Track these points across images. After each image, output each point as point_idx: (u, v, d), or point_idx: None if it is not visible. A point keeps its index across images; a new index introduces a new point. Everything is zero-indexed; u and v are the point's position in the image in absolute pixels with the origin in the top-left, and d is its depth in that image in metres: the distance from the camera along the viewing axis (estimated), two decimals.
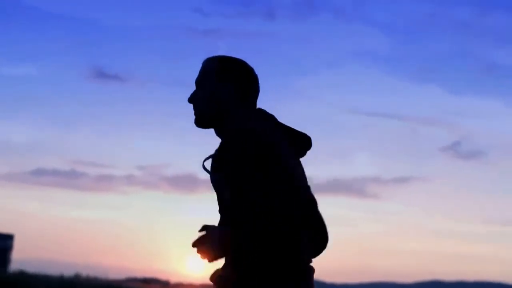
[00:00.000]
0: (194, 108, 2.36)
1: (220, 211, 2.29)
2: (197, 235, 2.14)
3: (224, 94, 2.30)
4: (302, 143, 2.32)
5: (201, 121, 2.35)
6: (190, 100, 2.36)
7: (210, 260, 2.15)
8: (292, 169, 2.18)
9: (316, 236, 2.20)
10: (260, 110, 2.33)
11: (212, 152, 2.27)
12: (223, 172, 2.15)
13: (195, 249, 2.14)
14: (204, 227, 2.15)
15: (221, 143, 2.26)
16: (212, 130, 2.37)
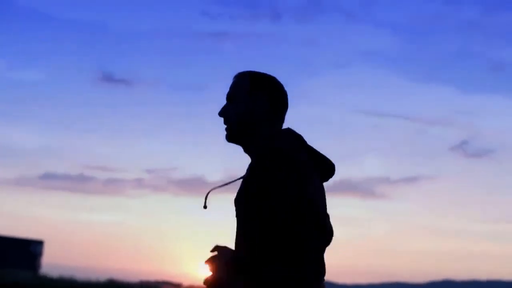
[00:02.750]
0: (226, 122, 2.35)
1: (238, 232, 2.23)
2: (208, 254, 2.12)
3: (257, 109, 2.30)
4: (327, 168, 2.31)
5: (233, 136, 2.33)
6: (221, 114, 2.36)
7: (213, 281, 2.12)
8: (313, 194, 2.15)
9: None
10: (289, 129, 2.32)
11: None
12: (248, 195, 2.14)
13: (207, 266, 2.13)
14: (216, 248, 2.13)
15: (250, 165, 2.26)
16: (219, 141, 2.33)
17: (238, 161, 2.40)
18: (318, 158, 2.30)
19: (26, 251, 35.18)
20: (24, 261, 34.14)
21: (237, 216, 2.23)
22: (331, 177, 2.34)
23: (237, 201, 2.21)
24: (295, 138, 2.30)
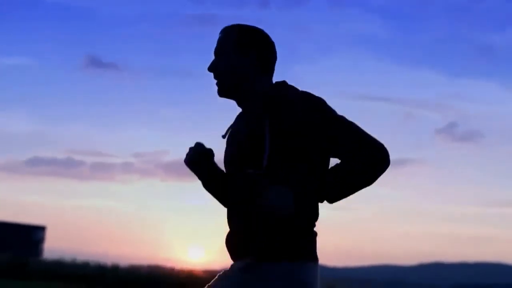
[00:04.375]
0: (216, 77, 2.32)
1: (233, 163, 2.30)
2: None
3: (246, 62, 2.28)
4: None
5: (225, 90, 2.31)
6: (211, 69, 2.32)
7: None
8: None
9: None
10: (286, 82, 2.32)
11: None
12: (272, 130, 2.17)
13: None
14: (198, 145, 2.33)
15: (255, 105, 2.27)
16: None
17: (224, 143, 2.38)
18: None
19: (28, 237, 35.39)
20: (26, 246, 33.99)
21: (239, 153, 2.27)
22: None
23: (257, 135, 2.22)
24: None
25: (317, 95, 2.23)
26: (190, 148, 2.33)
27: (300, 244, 2.16)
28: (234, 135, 2.34)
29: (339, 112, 2.22)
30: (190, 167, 2.35)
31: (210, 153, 2.34)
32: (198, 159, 2.33)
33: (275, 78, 2.35)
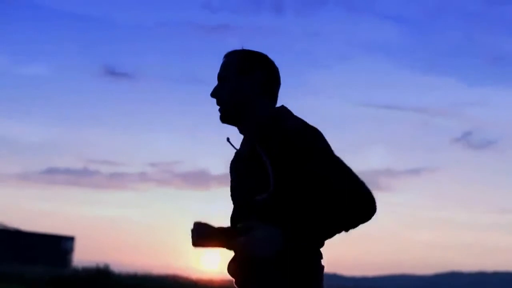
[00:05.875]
0: (218, 103, 2.26)
1: (237, 199, 2.26)
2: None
3: (249, 88, 2.23)
4: None
5: (227, 116, 2.25)
6: (213, 94, 2.27)
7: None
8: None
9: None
10: (285, 107, 2.26)
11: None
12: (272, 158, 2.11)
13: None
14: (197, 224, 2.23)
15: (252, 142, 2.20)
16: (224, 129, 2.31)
17: None
18: None
19: (57, 247, 35.71)
20: (55, 257, 34.27)
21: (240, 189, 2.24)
22: None
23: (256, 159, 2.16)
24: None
25: (313, 125, 2.16)
26: (192, 230, 2.24)
27: (295, 283, 2.09)
28: (235, 162, 2.32)
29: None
30: (201, 247, 2.25)
31: (209, 229, 2.23)
32: (203, 238, 2.23)
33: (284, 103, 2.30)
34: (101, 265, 21.42)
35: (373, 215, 2.07)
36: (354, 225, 2.07)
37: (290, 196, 2.10)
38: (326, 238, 2.08)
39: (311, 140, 2.09)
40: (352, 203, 2.03)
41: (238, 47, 2.31)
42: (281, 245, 2.04)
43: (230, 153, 2.33)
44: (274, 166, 2.10)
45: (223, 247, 2.20)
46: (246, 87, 2.23)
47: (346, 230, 2.07)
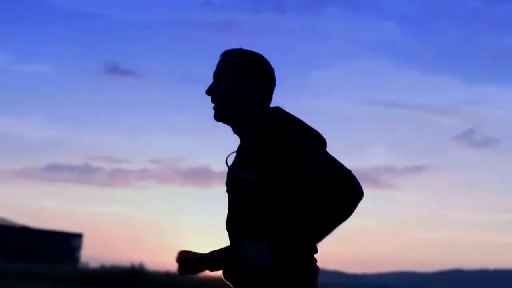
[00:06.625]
0: (213, 101, 2.26)
1: (231, 222, 2.21)
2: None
3: (245, 87, 2.23)
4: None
5: (221, 114, 2.25)
6: (209, 92, 2.26)
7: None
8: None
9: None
10: (279, 107, 2.22)
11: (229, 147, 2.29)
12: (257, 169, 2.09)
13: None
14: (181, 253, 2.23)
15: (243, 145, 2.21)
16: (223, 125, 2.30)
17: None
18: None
19: (66, 244, 35.74)
20: (63, 254, 34.27)
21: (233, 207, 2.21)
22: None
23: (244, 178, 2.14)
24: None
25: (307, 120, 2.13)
26: (177, 261, 2.24)
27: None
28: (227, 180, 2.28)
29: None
30: (189, 274, 2.25)
31: (194, 258, 2.22)
32: (189, 269, 2.23)
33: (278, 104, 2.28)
34: (136, 264, 21.69)
35: (361, 194, 1.99)
36: (347, 212, 1.99)
37: (277, 201, 2.08)
38: (325, 238, 2.04)
39: (285, 127, 2.07)
40: (336, 187, 1.97)
41: (238, 47, 2.33)
42: (272, 265, 2.02)
43: (232, 150, 2.32)
44: (259, 165, 2.09)
45: (211, 271, 2.21)
46: (242, 87, 2.24)
47: (341, 221, 2.00)
